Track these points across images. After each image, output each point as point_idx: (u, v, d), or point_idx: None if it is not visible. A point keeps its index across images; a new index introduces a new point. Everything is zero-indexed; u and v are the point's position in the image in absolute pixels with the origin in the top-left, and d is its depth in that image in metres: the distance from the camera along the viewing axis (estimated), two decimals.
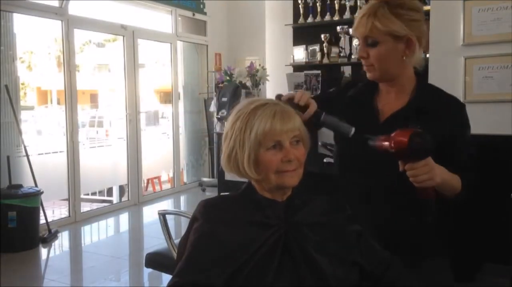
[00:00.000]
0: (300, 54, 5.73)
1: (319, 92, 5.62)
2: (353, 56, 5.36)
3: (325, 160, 2.58)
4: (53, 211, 5.88)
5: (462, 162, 1.41)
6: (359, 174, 1.49)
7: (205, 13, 7.09)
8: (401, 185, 1.28)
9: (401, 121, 1.37)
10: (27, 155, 4.52)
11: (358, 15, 1.45)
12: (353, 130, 1.37)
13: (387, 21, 1.36)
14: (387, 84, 1.50)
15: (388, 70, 1.44)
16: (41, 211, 4.42)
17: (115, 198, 6.67)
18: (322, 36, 5.45)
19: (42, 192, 4.36)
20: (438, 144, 1.31)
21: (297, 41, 5.78)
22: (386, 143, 1.23)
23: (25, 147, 4.55)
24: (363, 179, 1.48)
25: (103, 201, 6.63)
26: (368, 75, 1.48)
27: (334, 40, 5.49)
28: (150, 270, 3.11)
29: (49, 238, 4.43)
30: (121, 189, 6.62)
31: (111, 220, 5.47)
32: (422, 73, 1.52)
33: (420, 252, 1.44)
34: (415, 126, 1.28)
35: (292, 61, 5.77)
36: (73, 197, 5.18)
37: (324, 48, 5.48)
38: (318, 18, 5.53)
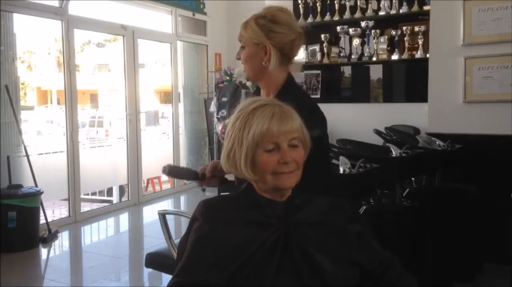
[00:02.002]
0: (300, 54, 5.71)
1: (319, 92, 5.62)
2: (353, 56, 5.35)
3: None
4: (53, 211, 5.88)
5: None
6: None
7: (205, 13, 7.09)
8: None
9: None
10: (27, 155, 4.52)
11: None
12: None
13: (249, 28, 1.60)
14: (261, 86, 1.71)
15: (252, 71, 1.66)
16: (41, 211, 4.42)
17: (115, 198, 6.67)
18: (322, 36, 5.43)
19: (42, 192, 4.36)
20: None
21: None
22: None
23: (25, 147, 4.54)
24: None
25: (103, 201, 6.63)
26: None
27: (334, 40, 5.48)
28: (150, 270, 3.12)
29: (49, 238, 4.43)
30: (121, 189, 6.62)
31: (111, 220, 5.47)
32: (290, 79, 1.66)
33: None
34: None
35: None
36: (73, 197, 5.17)
37: (324, 48, 5.47)
38: (318, 18, 5.52)
